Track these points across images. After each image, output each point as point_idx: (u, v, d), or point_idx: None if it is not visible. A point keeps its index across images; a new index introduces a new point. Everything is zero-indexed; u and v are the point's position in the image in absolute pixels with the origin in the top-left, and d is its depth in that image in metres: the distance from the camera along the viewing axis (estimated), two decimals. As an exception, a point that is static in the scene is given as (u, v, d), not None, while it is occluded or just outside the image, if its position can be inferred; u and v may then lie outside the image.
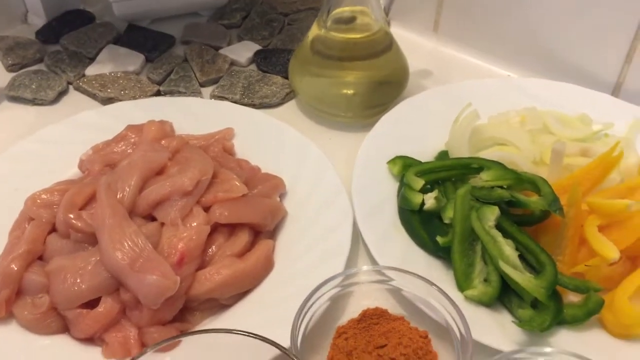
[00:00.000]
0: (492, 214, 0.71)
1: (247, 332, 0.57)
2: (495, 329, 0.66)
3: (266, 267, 0.72)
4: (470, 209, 0.72)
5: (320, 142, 0.91)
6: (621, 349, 0.65)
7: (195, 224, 0.71)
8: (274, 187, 0.80)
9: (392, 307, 0.70)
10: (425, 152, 0.87)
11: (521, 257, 0.70)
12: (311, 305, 0.66)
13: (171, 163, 0.78)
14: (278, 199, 0.80)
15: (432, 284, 0.65)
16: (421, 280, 0.66)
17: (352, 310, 0.69)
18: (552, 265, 0.67)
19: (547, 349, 0.60)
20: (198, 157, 0.78)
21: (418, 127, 0.91)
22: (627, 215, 0.69)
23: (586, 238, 0.70)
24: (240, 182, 0.76)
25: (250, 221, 0.74)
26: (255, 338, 0.57)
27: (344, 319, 0.69)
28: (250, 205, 0.75)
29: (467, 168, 0.79)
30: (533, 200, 0.71)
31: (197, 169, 0.75)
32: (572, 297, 0.70)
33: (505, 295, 0.69)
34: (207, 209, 0.73)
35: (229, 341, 0.58)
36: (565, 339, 0.66)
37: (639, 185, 0.77)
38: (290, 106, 1.00)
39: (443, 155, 0.87)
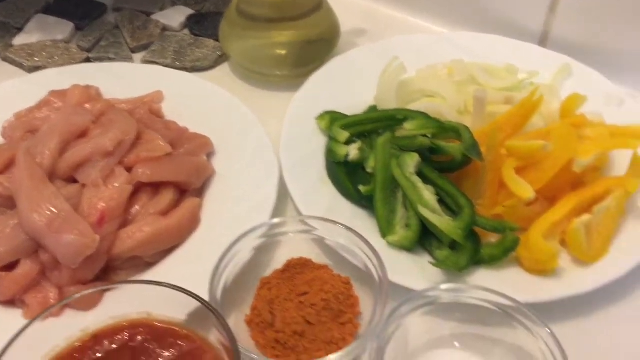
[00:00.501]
0: (411, 160, 0.72)
1: (162, 283, 0.57)
2: (415, 271, 0.68)
3: (191, 224, 0.73)
4: (390, 157, 0.73)
5: (252, 103, 0.90)
6: (535, 284, 0.67)
7: (117, 184, 0.70)
8: (201, 146, 0.80)
9: (317, 256, 0.71)
10: (355, 107, 0.88)
11: (442, 201, 0.72)
12: (232, 257, 0.66)
13: (94, 126, 0.77)
14: (205, 157, 0.80)
15: (353, 231, 0.66)
16: (343, 229, 0.67)
17: (278, 262, 0.70)
18: (469, 208, 0.69)
19: (459, 285, 0.61)
20: (121, 118, 0.77)
21: (348, 84, 0.91)
22: (543, 156, 0.71)
23: (504, 180, 0.71)
24: (164, 142, 0.75)
25: (174, 179, 0.74)
26: (171, 289, 0.57)
27: (269, 271, 0.70)
28: (175, 164, 0.74)
29: (392, 119, 0.80)
30: (452, 146, 0.72)
31: (119, 130, 0.74)
32: (493, 239, 0.71)
33: (426, 238, 0.70)
34: (130, 170, 0.73)
35: (148, 294, 0.58)
36: (483, 277, 0.67)
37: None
38: (223, 69, 0.99)
39: (372, 109, 0.87)
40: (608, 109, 0.85)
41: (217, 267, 0.63)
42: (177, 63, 0.97)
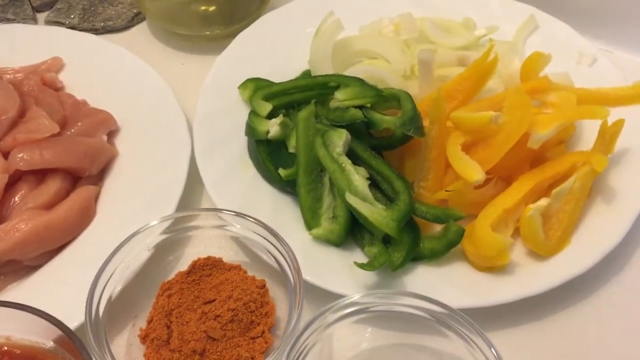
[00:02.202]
0: (339, 138, 0.60)
1: (19, 305, 0.46)
2: (343, 272, 0.57)
3: (83, 217, 0.62)
4: (314, 134, 0.61)
5: (171, 70, 0.79)
6: (483, 283, 0.57)
7: (-11, 173, 0.59)
8: (100, 123, 0.68)
9: (229, 254, 0.60)
10: (287, 73, 0.76)
11: (377, 186, 0.61)
12: (123, 259, 0.55)
13: (-31, 102, 0.65)
14: (105, 137, 0.68)
15: (267, 227, 0.56)
16: (257, 224, 0.56)
17: (183, 262, 0.60)
18: (406, 194, 0.58)
19: (388, 292, 0.51)
20: (1, 93, 0.65)
21: (280, 45, 0.79)
22: (493, 131, 0.60)
23: (448, 159, 0.60)
24: (49, 120, 0.63)
25: (62, 165, 0.62)
26: (30, 313, 0.46)
27: (172, 273, 0.59)
28: (63, 147, 0.63)
29: (324, 87, 0.68)
30: (387, 119, 0.61)
31: (-5, 107, 0.62)
32: (438, 228, 0.61)
33: (358, 231, 0.60)
34: (7, 155, 0.61)
35: (7, 317, 0.47)
36: (423, 275, 0.57)
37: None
38: (141, 29, 0.87)
39: (306, 75, 0.75)
40: (578, 68, 0.74)
41: (98, 276, 0.53)
42: (85, 23, 0.84)
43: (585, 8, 0.82)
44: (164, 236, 0.58)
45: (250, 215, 0.58)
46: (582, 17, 0.81)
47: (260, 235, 0.57)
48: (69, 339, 0.44)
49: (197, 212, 0.59)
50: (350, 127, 0.63)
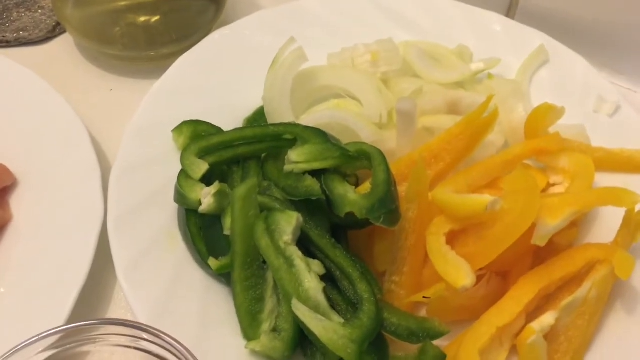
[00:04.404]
0: (288, 223, 0.46)
1: None
2: (287, 402, 0.44)
3: (-47, 312, 0.48)
4: (256, 216, 0.47)
5: (96, 96, 0.65)
6: None
7: None
8: (-12, 179, 0.53)
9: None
10: (238, 110, 0.61)
11: (335, 284, 0.47)
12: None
13: None
14: (-6, 197, 0.54)
15: (184, 350, 0.42)
16: (172, 344, 0.43)
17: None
18: (372, 303, 0.44)
19: None
20: None
21: (231, 72, 0.64)
22: (489, 217, 0.46)
23: (428, 254, 0.46)
24: None
25: None
26: None
27: (64, 395, 0.46)
28: None
29: (278, 140, 0.54)
30: (350, 201, 0.47)
31: None
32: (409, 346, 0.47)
33: (308, 346, 0.46)
34: None
35: None
36: (389, 411, 0.44)
37: (521, 156, 0.54)
38: (63, 42, 0.70)
39: (260, 114, 0.60)
40: (596, 118, 0.60)
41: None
42: (-6, 34, 0.68)
43: (605, 36, 0.67)
44: (52, 351, 0.44)
45: (170, 321, 0.44)
46: (602, 47, 0.66)
47: (176, 357, 0.43)
48: None
49: (98, 324, 0.45)
50: (306, 201, 0.49)
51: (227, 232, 0.48)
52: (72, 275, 0.49)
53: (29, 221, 0.53)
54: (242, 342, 0.47)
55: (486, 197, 0.45)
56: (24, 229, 0.53)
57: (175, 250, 0.51)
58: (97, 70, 0.68)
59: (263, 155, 0.55)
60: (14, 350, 0.42)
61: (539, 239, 0.45)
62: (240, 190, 0.47)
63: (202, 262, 0.50)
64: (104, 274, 0.53)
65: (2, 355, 0.42)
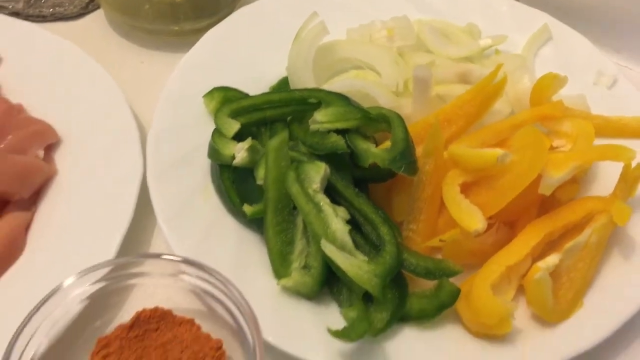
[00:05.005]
0: (317, 173, 0.51)
1: None
2: (314, 332, 0.48)
3: (9, 251, 0.52)
4: (287, 167, 0.52)
5: (128, 68, 0.69)
6: (479, 351, 0.48)
7: None
8: (35, 136, 0.57)
9: (180, 306, 0.51)
10: (262, 79, 0.66)
11: (360, 229, 0.52)
12: (53, 311, 0.46)
13: None
14: (42, 152, 0.58)
15: (225, 279, 0.46)
16: (214, 274, 0.47)
17: (123, 314, 0.50)
18: (393, 244, 0.49)
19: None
20: None
21: (255, 46, 0.68)
22: (499, 170, 0.51)
23: (444, 202, 0.51)
24: (-29, 134, 0.53)
25: (-19, 189, 0.52)
26: None
27: (111, 327, 0.50)
28: (-14, 167, 0.53)
29: (303, 104, 0.58)
30: (373, 153, 0.51)
31: None
32: (427, 283, 0.52)
33: (334, 283, 0.51)
34: None
35: None
36: (408, 341, 0.48)
37: (528, 120, 0.58)
38: (96, 18, 0.75)
39: (284, 84, 0.65)
40: (595, 89, 0.65)
41: (16, 336, 0.43)
42: (32, 9, 0.73)
43: (605, 16, 0.72)
44: (102, 284, 0.48)
45: (206, 262, 0.48)
46: (601, 27, 0.71)
47: (217, 288, 0.47)
48: None
49: (143, 258, 0.49)
50: (331, 155, 0.53)
51: (259, 181, 0.53)
52: (115, 222, 0.53)
53: (73, 176, 0.57)
54: (273, 282, 0.52)
55: (497, 151, 0.50)
56: (69, 182, 0.57)
57: (209, 203, 0.56)
58: (128, 44, 0.73)
59: (288, 118, 0.59)
60: (71, 280, 0.46)
61: (545, 189, 0.50)
62: (274, 142, 0.51)
63: (235, 211, 0.55)
64: (141, 226, 0.57)
65: (63, 282, 0.46)
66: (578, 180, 0.56)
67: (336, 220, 0.49)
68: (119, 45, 0.72)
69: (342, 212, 0.51)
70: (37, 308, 0.45)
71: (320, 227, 0.49)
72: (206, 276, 0.48)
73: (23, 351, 0.44)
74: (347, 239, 0.49)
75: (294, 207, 0.52)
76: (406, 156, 0.50)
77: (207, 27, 0.69)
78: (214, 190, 0.57)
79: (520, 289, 0.51)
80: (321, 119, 0.55)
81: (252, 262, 0.53)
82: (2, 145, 0.55)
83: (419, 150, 0.54)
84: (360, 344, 0.48)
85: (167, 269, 0.49)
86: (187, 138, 0.60)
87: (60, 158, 0.59)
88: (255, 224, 0.54)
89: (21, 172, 0.54)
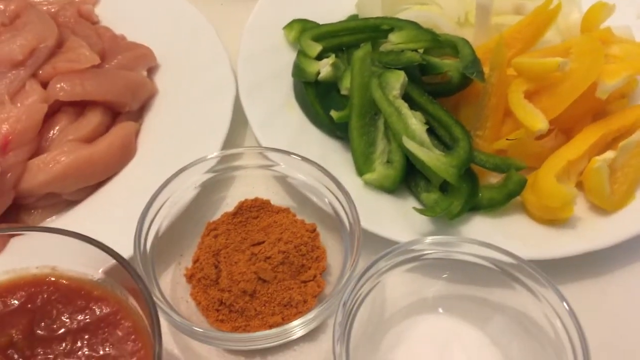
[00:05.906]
0: (396, 80, 0.57)
1: (68, 232, 0.44)
2: (397, 218, 0.55)
3: (123, 153, 0.59)
4: (370, 75, 0.58)
5: (209, 10, 0.75)
6: (544, 236, 0.54)
7: (28, 102, 0.56)
8: (140, 57, 0.65)
9: (277, 196, 0.57)
10: (332, 15, 0.72)
11: (433, 132, 0.58)
12: (169, 196, 0.53)
13: (4, 29, 0.61)
14: (145, 73, 0.65)
15: (320, 167, 0.53)
16: (309, 164, 0.54)
17: (228, 202, 0.57)
18: (466, 141, 0.55)
19: (449, 238, 0.49)
20: (38, 21, 0.61)
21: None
22: (559, 78, 0.57)
23: (510, 107, 0.57)
24: (90, 51, 0.60)
25: (102, 98, 0.59)
26: (80, 240, 0.44)
27: (217, 213, 0.57)
28: (103, 80, 0.60)
29: (375, 30, 0.65)
30: (447, 63, 0.58)
31: (33, 35, 0.59)
32: (494, 179, 0.58)
33: (412, 178, 0.57)
34: (46, 85, 0.58)
35: (54, 245, 0.45)
36: (480, 226, 0.55)
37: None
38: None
39: (353, 18, 0.72)
40: (638, 23, 0.71)
41: (146, 209, 0.50)
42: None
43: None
44: (210, 175, 0.55)
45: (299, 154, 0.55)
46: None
47: (313, 177, 0.54)
48: (123, 268, 0.42)
49: (245, 149, 0.56)
50: (404, 72, 0.60)
51: (344, 91, 0.60)
52: (214, 131, 0.60)
53: (172, 94, 0.64)
54: (356, 180, 0.58)
55: (558, 59, 0.56)
56: (170, 98, 0.64)
57: (294, 116, 0.63)
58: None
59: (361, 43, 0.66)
60: (185, 167, 0.53)
61: (601, 93, 0.56)
62: (359, 52, 0.58)
63: (318, 122, 0.62)
64: (235, 138, 0.64)
65: (182, 168, 0.53)
66: (626, 95, 0.62)
67: (415, 121, 0.56)
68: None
69: (419, 116, 0.57)
70: (160, 189, 0.52)
71: (401, 126, 0.56)
72: (302, 166, 0.54)
73: (150, 225, 0.51)
74: (425, 137, 0.56)
75: (375, 113, 0.58)
76: (475, 65, 0.57)
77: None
78: (297, 105, 0.64)
79: (578, 186, 0.57)
80: (395, 40, 0.62)
81: (334, 164, 0.59)
82: (113, 63, 0.62)
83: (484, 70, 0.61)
84: (437, 227, 0.54)
85: (264, 162, 0.56)
86: (269, 63, 0.66)
87: (159, 80, 0.66)
88: (337, 132, 0.61)
89: (132, 86, 0.61)
